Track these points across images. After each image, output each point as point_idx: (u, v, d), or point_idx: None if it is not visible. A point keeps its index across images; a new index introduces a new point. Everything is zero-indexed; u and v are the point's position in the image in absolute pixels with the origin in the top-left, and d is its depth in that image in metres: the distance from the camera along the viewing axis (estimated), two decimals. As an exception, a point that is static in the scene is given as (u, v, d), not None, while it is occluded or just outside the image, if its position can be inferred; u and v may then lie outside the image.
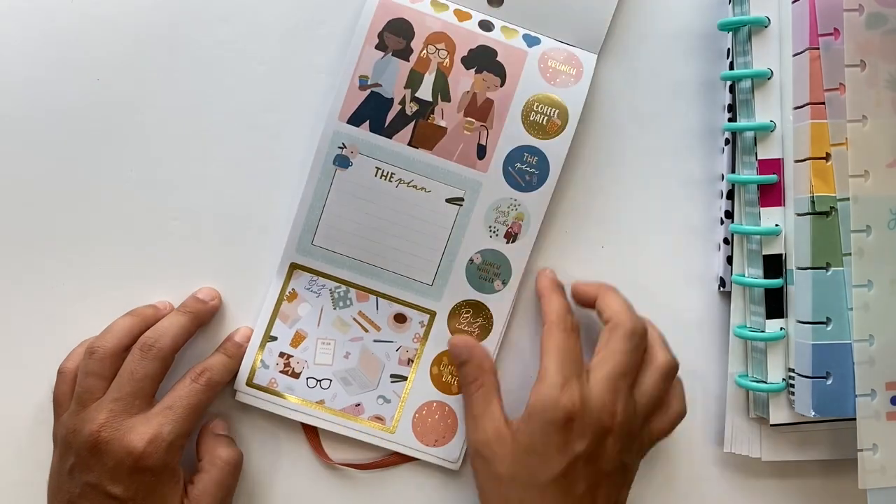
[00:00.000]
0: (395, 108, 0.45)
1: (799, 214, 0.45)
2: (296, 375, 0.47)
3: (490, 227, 0.46)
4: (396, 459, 0.48)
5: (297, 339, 0.47)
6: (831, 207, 0.44)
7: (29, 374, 0.47)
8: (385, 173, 0.45)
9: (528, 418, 0.42)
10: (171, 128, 0.47)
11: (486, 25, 0.46)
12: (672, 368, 0.44)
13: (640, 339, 0.44)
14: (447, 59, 0.45)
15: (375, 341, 0.47)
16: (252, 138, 0.47)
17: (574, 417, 0.41)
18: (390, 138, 0.45)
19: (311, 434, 0.48)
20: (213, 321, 0.47)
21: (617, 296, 0.45)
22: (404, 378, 0.47)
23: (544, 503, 0.41)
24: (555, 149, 0.46)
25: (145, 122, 0.47)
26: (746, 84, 0.46)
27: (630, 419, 0.42)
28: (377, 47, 0.45)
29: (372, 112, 0.45)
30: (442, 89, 0.45)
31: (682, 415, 0.45)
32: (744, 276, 0.47)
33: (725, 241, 0.48)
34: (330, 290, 0.47)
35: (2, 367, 0.47)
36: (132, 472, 0.41)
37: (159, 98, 0.47)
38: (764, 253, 0.46)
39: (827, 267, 0.44)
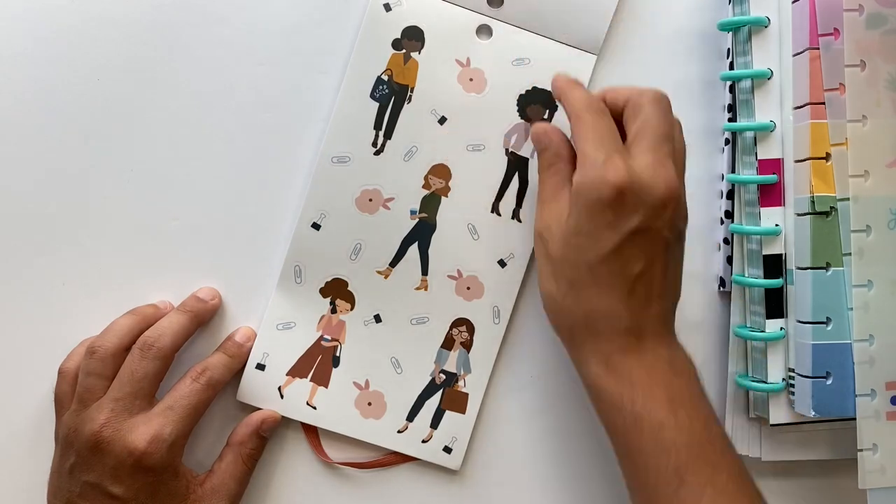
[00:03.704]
0: None
1: (799, 214, 0.45)
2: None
3: None
4: (396, 459, 0.48)
5: None
6: (831, 207, 0.44)
7: (30, 374, 0.47)
8: None
9: (574, 200, 0.41)
10: (171, 127, 0.47)
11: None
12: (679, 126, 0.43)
13: (668, 103, 0.42)
14: None
15: None
16: (252, 138, 0.47)
17: (625, 191, 0.39)
18: None
19: (311, 434, 0.48)
20: (214, 321, 0.47)
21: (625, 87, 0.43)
22: None
23: (596, 282, 0.40)
24: None
25: (145, 122, 0.47)
26: (746, 84, 0.46)
27: (677, 182, 0.40)
28: None
29: None
30: None
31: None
32: (744, 275, 0.47)
33: (725, 240, 0.48)
34: None
35: (2, 367, 0.47)
36: (133, 472, 0.41)
37: (159, 98, 0.47)
38: (764, 253, 0.46)
39: (827, 267, 0.44)
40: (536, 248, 0.43)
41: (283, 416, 0.47)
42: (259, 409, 0.47)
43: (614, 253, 0.40)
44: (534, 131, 0.45)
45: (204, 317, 0.46)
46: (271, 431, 0.46)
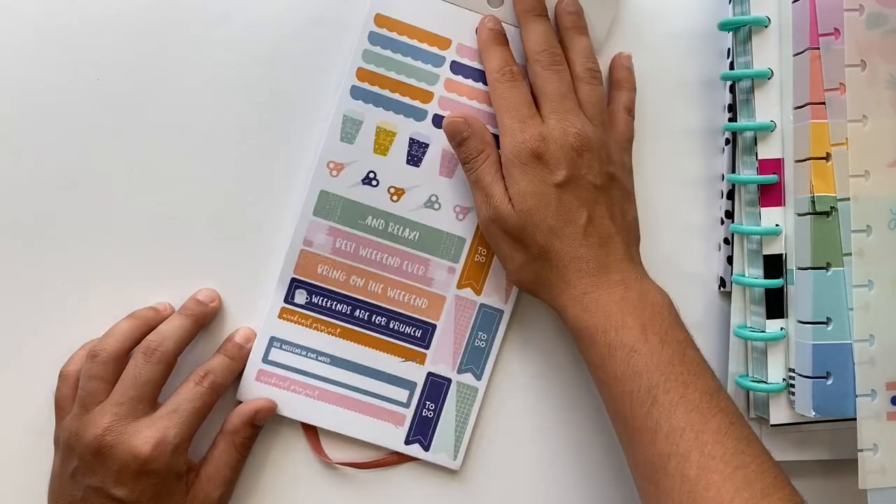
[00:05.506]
0: None
1: (799, 214, 0.45)
2: None
3: None
4: (396, 459, 0.48)
5: None
6: (832, 207, 0.44)
7: (28, 377, 0.47)
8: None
9: (506, 170, 0.44)
10: (171, 128, 0.47)
11: None
12: (593, 72, 0.46)
13: (555, 59, 0.45)
14: None
15: None
16: (252, 138, 0.47)
17: (541, 151, 0.43)
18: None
19: (311, 433, 0.48)
20: (213, 322, 0.47)
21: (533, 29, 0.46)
22: None
23: (556, 235, 0.43)
24: None
25: (145, 121, 0.47)
26: (747, 84, 0.46)
27: (590, 129, 0.44)
28: None
29: None
30: None
31: (629, 109, 0.47)
32: (744, 276, 0.47)
33: (725, 241, 0.48)
34: None
35: (1, 369, 0.47)
36: (137, 476, 0.42)
37: (159, 98, 0.47)
38: (764, 253, 0.46)
39: (827, 267, 0.44)
40: (491, 234, 0.44)
41: (283, 416, 0.47)
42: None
43: (560, 206, 0.43)
44: (451, 121, 0.45)
45: (205, 319, 0.46)
46: (265, 420, 0.46)
